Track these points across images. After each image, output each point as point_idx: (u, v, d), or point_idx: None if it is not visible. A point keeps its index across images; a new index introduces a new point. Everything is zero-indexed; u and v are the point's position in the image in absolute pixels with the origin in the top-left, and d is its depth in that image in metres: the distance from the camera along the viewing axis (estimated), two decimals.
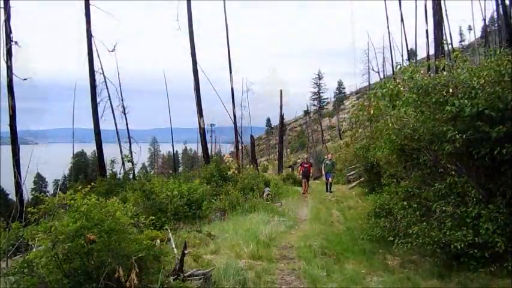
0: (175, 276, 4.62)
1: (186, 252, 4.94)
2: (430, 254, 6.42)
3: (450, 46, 25.00)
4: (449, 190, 6.49)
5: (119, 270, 3.85)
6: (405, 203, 7.09)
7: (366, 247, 7.71)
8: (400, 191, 7.52)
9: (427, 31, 24.28)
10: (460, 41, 67.56)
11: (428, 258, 6.50)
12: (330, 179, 19.28)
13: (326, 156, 22.21)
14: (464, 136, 5.88)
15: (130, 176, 20.57)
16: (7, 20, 15.67)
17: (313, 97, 76.52)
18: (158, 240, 4.83)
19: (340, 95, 79.19)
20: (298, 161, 19.94)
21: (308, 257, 7.04)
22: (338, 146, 41.28)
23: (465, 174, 6.42)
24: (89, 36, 19.89)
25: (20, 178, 13.51)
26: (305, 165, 19.47)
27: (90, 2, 20.01)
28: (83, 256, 4.01)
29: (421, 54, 39.65)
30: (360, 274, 6.14)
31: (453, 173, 6.58)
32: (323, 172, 19.93)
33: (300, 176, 20.05)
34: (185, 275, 4.82)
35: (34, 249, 4.30)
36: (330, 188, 19.09)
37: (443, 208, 6.22)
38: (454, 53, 7.20)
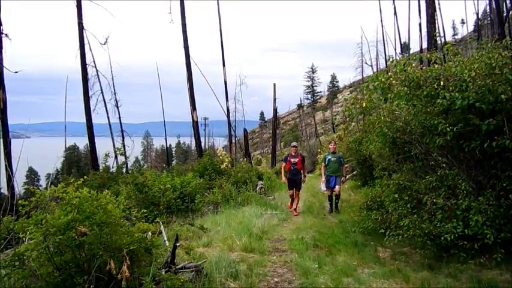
0: (167, 268, 4.63)
1: (177, 244, 4.94)
2: (420, 246, 6.49)
3: (443, 40, 25.35)
4: (440, 183, 6.56)
5: (111, 263, 3.84)
6: (397, 195, 7.13)
7: (357, 239, 7.77)
8: (392, 184, 7.56)
9: (420, 24, 24.33)
10: (453, 35, 67.96)
11: (419, 250, 6.57)
12: (336, 187, 11.34)
13: (330, 147, 12.25)
14: (455, 129, 5.94)
15: (124, 170, 20.48)
16: None
17: (306, 91, 76.73)
18: (150, 233, 4.83)
19: (334, 89, 79.45)
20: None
21: (300, 250, 7.07)
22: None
23: (456, 166, 6.49)
24: (81, 29, 19.66)
25: (12, 171, 13.40)
26: (292, 160, 11.32)
27: None
28: (74, 249, 3.99)
29: (415, 47, 39.95)
30: (352, 266, 6.18)
31: (444, 165, 6.63)
32: (323, 176, 11.86)
33: (285, 179, 11.59)
34: (177, 267, 4.82)
35: (25, 243, 4.27)
36: (337, 203, 11.60)
37: (434, 200, 6.28)
38: (446, 46, 7.22)
